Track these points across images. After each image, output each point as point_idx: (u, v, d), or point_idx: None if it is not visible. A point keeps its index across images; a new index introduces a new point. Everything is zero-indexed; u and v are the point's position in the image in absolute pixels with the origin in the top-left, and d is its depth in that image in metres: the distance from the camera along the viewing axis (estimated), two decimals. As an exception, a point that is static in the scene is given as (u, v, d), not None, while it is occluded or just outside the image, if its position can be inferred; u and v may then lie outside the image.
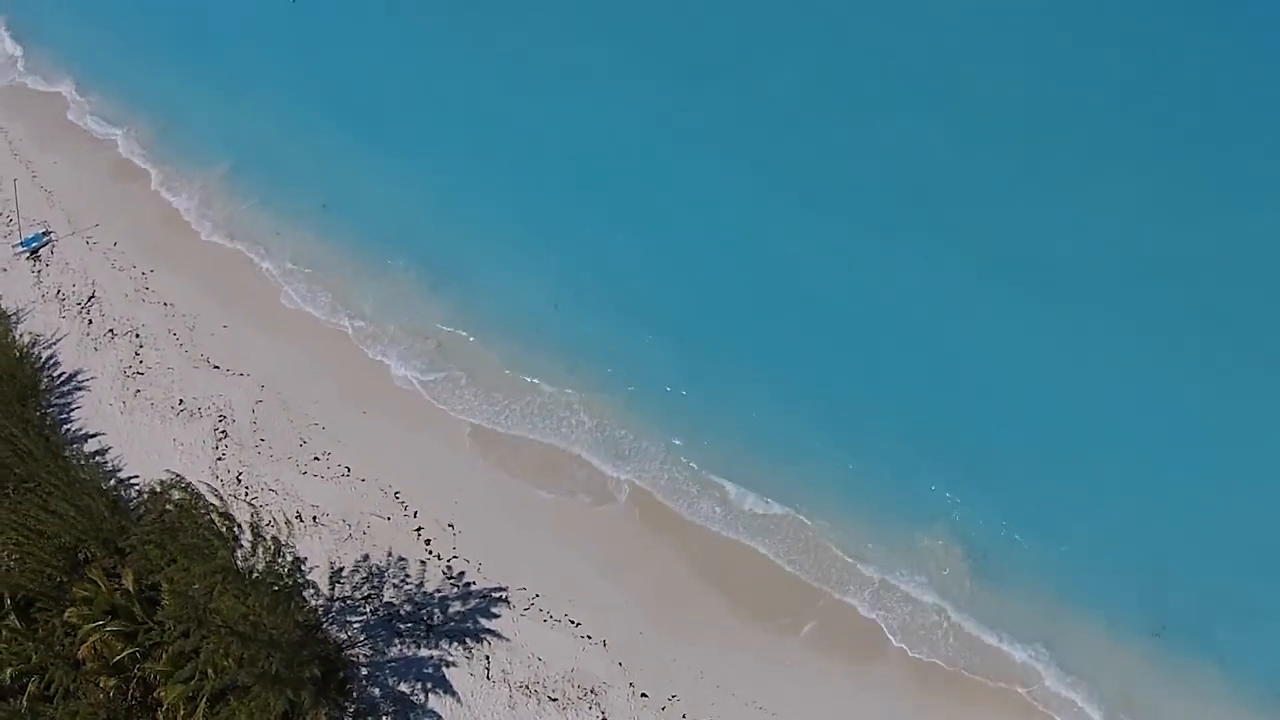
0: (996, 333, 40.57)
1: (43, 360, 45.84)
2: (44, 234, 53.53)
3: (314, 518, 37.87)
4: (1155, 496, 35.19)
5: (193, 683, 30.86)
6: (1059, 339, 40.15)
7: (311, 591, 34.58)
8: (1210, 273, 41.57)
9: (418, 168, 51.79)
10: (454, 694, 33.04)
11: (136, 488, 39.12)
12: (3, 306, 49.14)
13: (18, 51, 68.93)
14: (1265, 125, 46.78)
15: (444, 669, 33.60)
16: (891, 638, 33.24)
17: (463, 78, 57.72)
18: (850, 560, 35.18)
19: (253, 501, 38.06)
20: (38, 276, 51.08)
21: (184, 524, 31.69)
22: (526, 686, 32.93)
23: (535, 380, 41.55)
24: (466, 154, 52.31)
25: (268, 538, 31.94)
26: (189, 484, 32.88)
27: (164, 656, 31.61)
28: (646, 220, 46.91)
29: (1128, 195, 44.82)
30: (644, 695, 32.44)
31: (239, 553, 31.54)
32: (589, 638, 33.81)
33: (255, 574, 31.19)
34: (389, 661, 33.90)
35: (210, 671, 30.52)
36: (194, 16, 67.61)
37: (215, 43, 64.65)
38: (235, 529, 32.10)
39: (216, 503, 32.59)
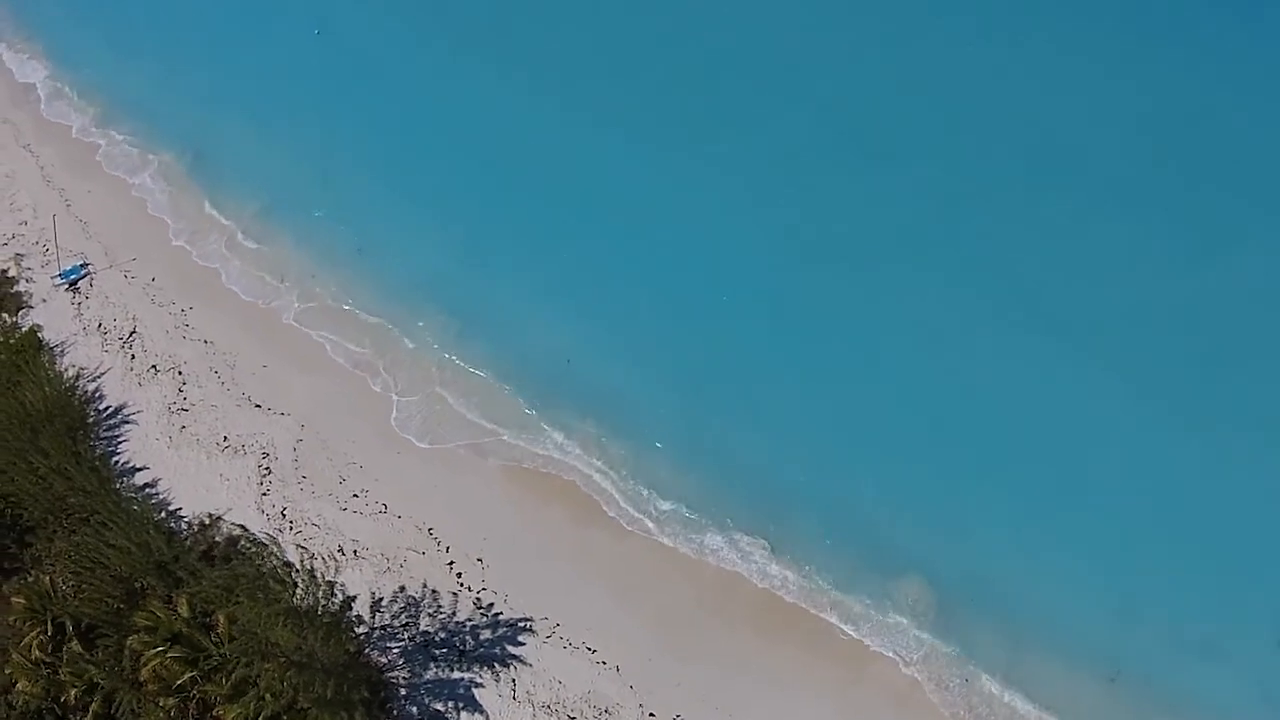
0: (978, 380, 43.86)
1: (88, 394, 47.97)
2: (82, 266, 54.85)
3: (354, 551, 41.01)
4: (1116, 538, 38.23)
5: (251, 706, 34.36)
6: (1036, 389, 43.15)
7: (356, 620, 37.85)
8: (1186, 323, 43.83)
9: (444, 215, 54.03)
10: (483, 713, 36.55)
11: (186, 520, 42.05)
12: (46, 339, 51.03)
13: (46, 75, 69.63)
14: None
15: (474, 690, 37.05)
16: (881, 660, 36.61)
17: (498, 123, 59.03)
18: (839, 591, 38.54)
19: (298, 538, 41.06)
20: (78, 309, 52.90)
21: (246, 570, 35.11)
22: (548, 706, 36.44)
23: (557, 426, 44.47)
24: (491, 202, 54.45)
25: (320, 579, 35.35)
26: (254, 536, 36.21)
27: (225, 682, 35.00)
28: (659, 276, 49.60)
29: (1113, 244, 47.09)
30: (652, 715, 35.81)
31: (296, 593, 34.97)
32: (604, 663, 37.23)
33: (309, 611, 34.65)
34: (425, 683, 37.38)
35: (268, 696, 34.01)
36: (222, 48, 68.88)
37: (243, 76, 65.85)
38: (293, 573, 35.54)
39: (275, 549, 35.96)
